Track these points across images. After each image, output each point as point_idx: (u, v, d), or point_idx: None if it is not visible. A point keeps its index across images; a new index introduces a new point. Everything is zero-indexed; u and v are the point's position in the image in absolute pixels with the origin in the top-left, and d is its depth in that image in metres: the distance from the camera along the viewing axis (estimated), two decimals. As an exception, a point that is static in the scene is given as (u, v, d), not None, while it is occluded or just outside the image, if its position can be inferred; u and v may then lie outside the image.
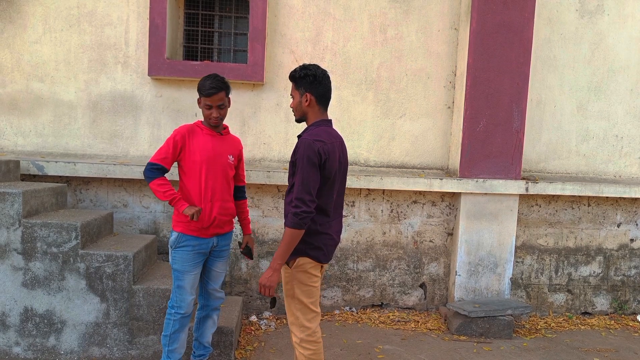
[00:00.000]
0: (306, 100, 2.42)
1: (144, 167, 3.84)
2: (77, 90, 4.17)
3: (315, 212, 2.35)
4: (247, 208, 3.14)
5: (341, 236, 3.88)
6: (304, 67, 2.43)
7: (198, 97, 2.81)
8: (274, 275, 2.32)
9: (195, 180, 2.76)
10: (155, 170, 2.70)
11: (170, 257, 2.82)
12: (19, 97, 4.15)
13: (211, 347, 3.10)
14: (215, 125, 2.81)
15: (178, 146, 2.73)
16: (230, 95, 2.86)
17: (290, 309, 2.44)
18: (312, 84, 2.41)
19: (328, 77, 2.46)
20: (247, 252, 3.06)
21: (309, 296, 2.43)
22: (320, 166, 2.31)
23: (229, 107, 2.86)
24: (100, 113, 4.20)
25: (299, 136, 2.43)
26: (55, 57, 4.14)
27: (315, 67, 2.43)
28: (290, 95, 2.52)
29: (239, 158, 3.00)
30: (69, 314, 3.22)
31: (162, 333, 2.86)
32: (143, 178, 3.88)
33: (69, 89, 4.17)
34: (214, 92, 2.73)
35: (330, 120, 2.51)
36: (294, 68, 2.54)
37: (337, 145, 2.43)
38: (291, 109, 2.56)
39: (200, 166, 2.75)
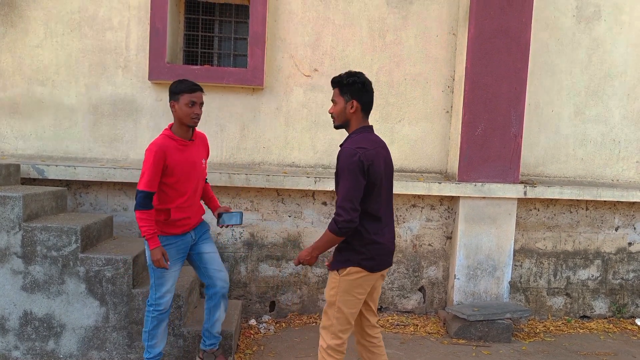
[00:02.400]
0: (352, 107, 2.41)
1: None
2: (78, 94, 4.19)
3: (366, 220, 2.36)
4: (211, 189, 3.20)
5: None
6: (351, 74, 2.42)
7: (172, 99, 2.80)
8: (312, 258, 2.46)
9: (173, 191, 2.82)
10: (142, 199, 2.70)
11: (147, 258, 2.84)
12: (20, 100, 4.17)
13: (221, 336, 3.16)
14: (194, 125, 2.85)
15: (160, 165, 2.74)
16: None
17: (328, 313, 2.44)
18: (360, 91, 2.40)
19: (372, 85, 2.46)
20: (227, 219, 2.99)
21: (350, 307, 2.41)
22: (364, 173, 2.30)
23: None
24: (100, 117, 4.22)
25: (341, 145, 2.43)
26: (56, 61, 4.16)
27: (362, 75, 2.43)
28: (332, 100, 2.49)
29: (207, 154, 3.08)
30: (69, 318, 3.22)
31: (143, 329, 2.93)
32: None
33: (70, 93, 4.19)
34: (198, 89, 2.82)
35: (371, 126, 2.49)
36: (338, 74, 2.47)
37: (381, 150, 2.43)
38: (330, 114, 2.52)
39: (177, 181, 2.81)
